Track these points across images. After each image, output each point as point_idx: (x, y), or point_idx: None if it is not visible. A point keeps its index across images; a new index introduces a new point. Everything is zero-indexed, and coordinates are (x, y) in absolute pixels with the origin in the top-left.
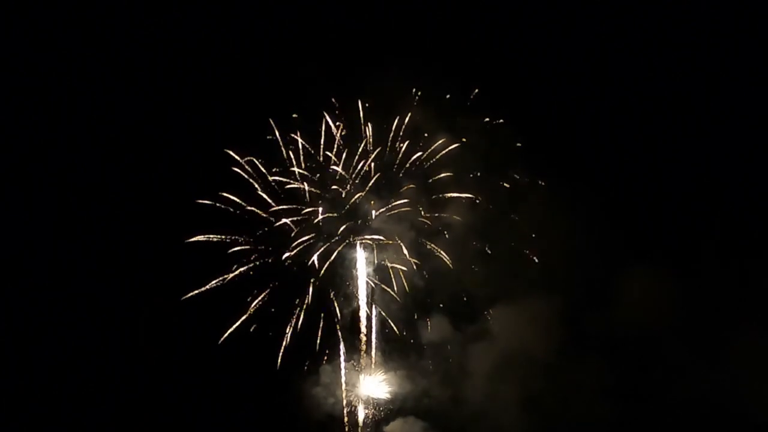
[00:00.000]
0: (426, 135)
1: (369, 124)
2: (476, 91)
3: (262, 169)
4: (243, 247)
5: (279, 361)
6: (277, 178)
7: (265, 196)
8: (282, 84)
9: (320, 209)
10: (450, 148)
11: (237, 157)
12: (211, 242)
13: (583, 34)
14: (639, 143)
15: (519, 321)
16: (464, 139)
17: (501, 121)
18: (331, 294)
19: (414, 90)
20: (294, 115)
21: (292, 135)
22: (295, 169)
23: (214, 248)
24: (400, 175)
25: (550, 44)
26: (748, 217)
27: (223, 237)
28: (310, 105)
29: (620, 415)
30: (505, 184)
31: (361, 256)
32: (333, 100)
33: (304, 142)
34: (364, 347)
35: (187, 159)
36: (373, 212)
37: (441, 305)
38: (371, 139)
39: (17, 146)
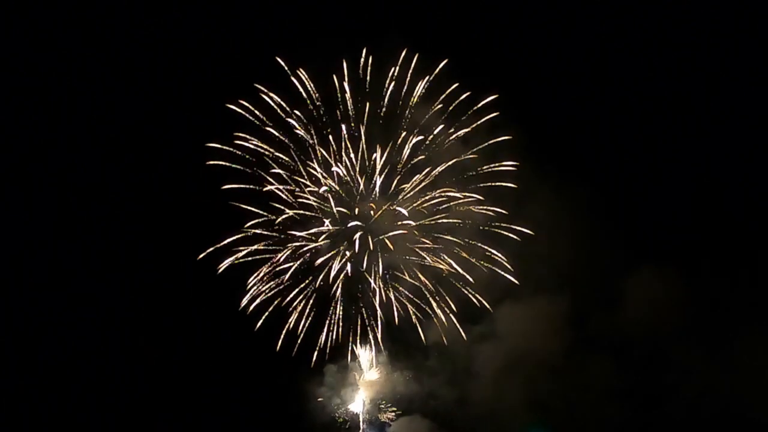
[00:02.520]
0: (429, 138)
1: (367, 124)
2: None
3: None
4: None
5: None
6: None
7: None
8: (281, 83)
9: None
10: (462, 157)
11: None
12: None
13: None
14: (645, 145)
15: (526, 322)
16: (476, 155)
17: (506, 121)
18: (338, 296)
19: (417, 91)
20: (295, 112)
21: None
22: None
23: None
24: (402, 176)
25: (556, 46)
26: (756, 217)
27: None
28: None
29: (628, 417)
30: (511, 185)
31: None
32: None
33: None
34: (370, 347)
35: (183, 157)
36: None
37: (447, 306)
38: (375, 143)
39: (17, 146)
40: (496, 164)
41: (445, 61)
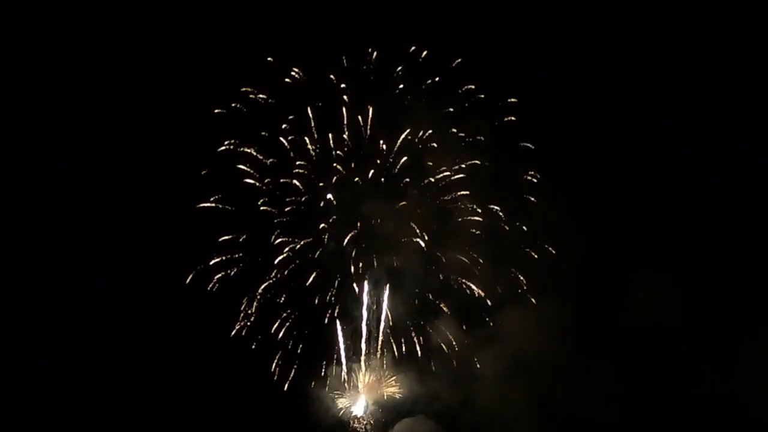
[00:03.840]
0: (432, 140)
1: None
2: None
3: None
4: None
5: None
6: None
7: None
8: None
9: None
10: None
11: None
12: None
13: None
14: (647, 145)
15: (529, 325)
16: (486, 162)
17: (509, 121)
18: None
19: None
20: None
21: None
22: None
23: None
24: (407, 179)
25: (554, 45)
26: (760, 217)
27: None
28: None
29: (633, 419)
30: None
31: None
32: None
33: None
34: (373, 350)
35: (181, 156)
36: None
37: (450, 308)
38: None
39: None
40: (518, 174)
41: (458, 60)
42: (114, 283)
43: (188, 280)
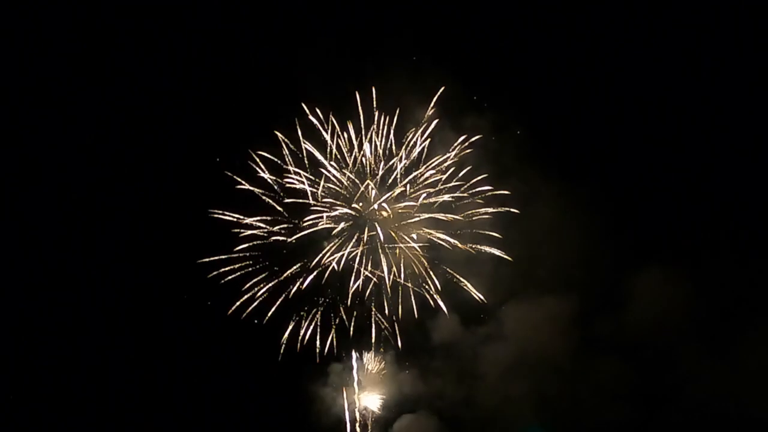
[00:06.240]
0: (432, 137)
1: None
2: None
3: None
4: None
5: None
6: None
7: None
8: (281, 86)
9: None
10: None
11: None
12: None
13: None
14: (650, 143)
15: (531, 323)
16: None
17: (507, 119)
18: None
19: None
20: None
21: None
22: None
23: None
24: (409, 176)
25: (554, 44)
26: (764, 216)
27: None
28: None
29: (635, 417)
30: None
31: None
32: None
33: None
34: (375, 347)
35: (181, 164)
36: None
37: (453, 305)
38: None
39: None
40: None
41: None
42: (113, 285)
43: (189, 277)
